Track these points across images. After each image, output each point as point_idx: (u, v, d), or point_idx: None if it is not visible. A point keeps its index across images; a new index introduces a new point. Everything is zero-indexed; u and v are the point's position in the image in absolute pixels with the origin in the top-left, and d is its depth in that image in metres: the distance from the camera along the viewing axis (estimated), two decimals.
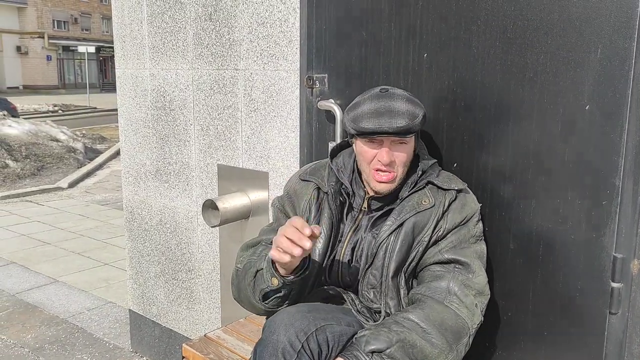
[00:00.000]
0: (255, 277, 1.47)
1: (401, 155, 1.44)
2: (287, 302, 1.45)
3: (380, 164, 1.42)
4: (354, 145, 1.52)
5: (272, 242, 1.44)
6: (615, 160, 1.36)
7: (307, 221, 1.53)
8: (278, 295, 1.42)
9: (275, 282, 1.39)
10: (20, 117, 13.06)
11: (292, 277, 1.37)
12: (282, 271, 1.38)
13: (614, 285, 1.40)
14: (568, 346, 1.50)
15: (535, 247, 1.52)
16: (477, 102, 1.57)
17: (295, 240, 1.25)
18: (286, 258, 1.28)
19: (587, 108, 1.39)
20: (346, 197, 1.54)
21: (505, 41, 1.50)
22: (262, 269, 1.43)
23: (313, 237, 1.26)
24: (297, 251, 1.24)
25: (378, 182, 1.45)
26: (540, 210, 1.50)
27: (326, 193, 1.54)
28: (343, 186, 1.55)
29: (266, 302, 1.45)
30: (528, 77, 1.47)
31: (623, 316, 1.40)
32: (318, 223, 1.52)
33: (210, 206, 2.23)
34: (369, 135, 1.41)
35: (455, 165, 1.65)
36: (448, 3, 1.60)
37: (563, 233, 1.46)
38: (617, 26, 1.32)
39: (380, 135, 1.40)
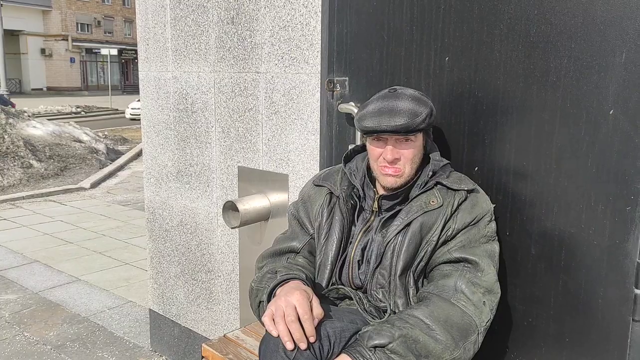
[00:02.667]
0: (258, 307, 1.51)
1: (406, 152, 1.45)
2: None
3: (385, 162, 1.45)
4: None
5: (276, 270, 1.49)
6: (639, 166, 1.34)
7: (319, 225, 1.57)
8: None
9: None
10: (44, 118, 13.28)
11: None
12: None
13: (638, 292, 1.38)
14: (590, 353, 1.48)
15: (557, 252, 1.51)
16: (499, 105, 1.57)
17: (296, 337, 1.25)
18: (274, 333, 1.27)
19: (611, 112, 1.37)
20: (357, 200, 1.56)
21: (528, 45, 1.49)
22: (264, 301, 1.44)
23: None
24: (289, 346, 1.25)
25: (385, 175, 1.47)
26: (562, 215, 1.48)
27: (338, 197, 1.57)
28: (355, 189, 1.57)
29: None
30: (551, 81, 1.46)
31: None
32: (330, 226, 1.55)
33: (230, 207, 2.25)
34: (372, 134, 1.45)
35: (476, 168, 1.64)
36: (470, 7, 1.59)
37: (586, 238, 1.45)
38: None
39: (382, 134, 1.43)
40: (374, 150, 1.48)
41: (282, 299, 1.29)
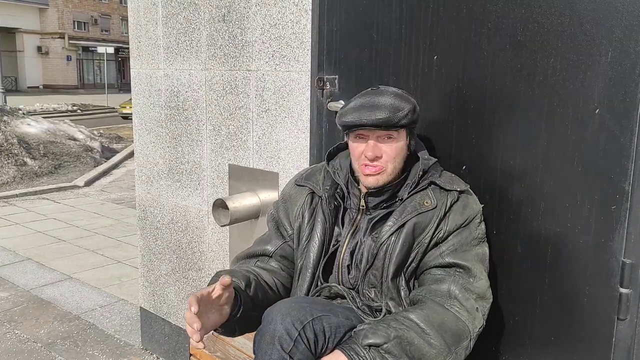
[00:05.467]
0: None
1: (389, 149, 1.44)
2: (236, 332, 1.44)
3: (366, 160, 1.43)
4: None
5: (232, 270, 1.49)
6: (624, 165, 1.35)
7: (300, 227, 1.55)
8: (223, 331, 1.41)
9: None
10: (39, 116, 13.25)
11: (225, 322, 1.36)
12: None
13: (623, 290, 1.38)
14: (575, 352, 1.49)
15: (543, 251, 1.51)
16: (487, 104, 1.57)
17: (190, 333, 1.23)
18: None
19: (597, 112, 1.38)
20: (340, 201, 1.54)
21: (515, 44, 1.49)
22: None
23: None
24: (195, 337, 1.23)
25: (365, 175, 1.45)
26: (548, 213, 1.49)
27: (320, 197, 1.55)
28: (338, 189, 1.55)
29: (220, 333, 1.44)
30: (538, 80, 1.46)
31: (631, 322, 1.39)
32: (312, 228, 1.53)
33: (220, 205, 2.25)
34: (352, 129, 1.43)
35: (464, 167, 1.64)
36: (459, 6, 1.59)
37: (571, 237, 1.45)
38: (627, 29, 1.31)
39: (363, 129, 1.42)
40: (356, 148, 1.46)
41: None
